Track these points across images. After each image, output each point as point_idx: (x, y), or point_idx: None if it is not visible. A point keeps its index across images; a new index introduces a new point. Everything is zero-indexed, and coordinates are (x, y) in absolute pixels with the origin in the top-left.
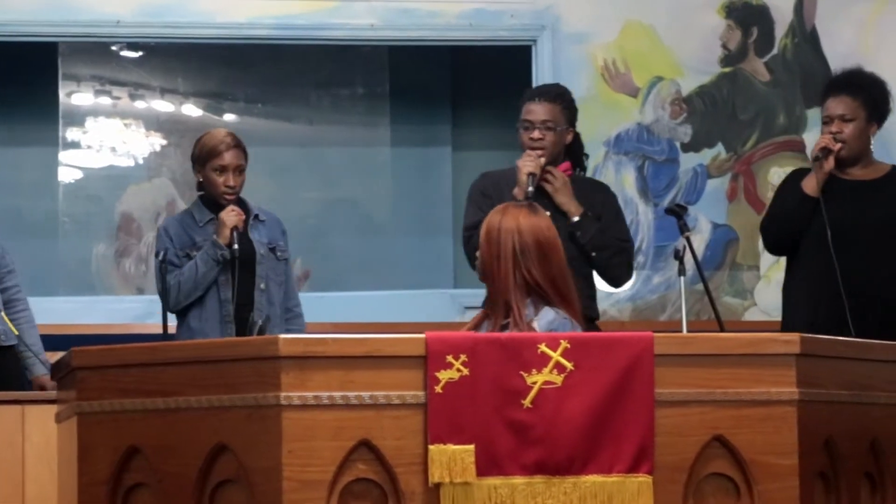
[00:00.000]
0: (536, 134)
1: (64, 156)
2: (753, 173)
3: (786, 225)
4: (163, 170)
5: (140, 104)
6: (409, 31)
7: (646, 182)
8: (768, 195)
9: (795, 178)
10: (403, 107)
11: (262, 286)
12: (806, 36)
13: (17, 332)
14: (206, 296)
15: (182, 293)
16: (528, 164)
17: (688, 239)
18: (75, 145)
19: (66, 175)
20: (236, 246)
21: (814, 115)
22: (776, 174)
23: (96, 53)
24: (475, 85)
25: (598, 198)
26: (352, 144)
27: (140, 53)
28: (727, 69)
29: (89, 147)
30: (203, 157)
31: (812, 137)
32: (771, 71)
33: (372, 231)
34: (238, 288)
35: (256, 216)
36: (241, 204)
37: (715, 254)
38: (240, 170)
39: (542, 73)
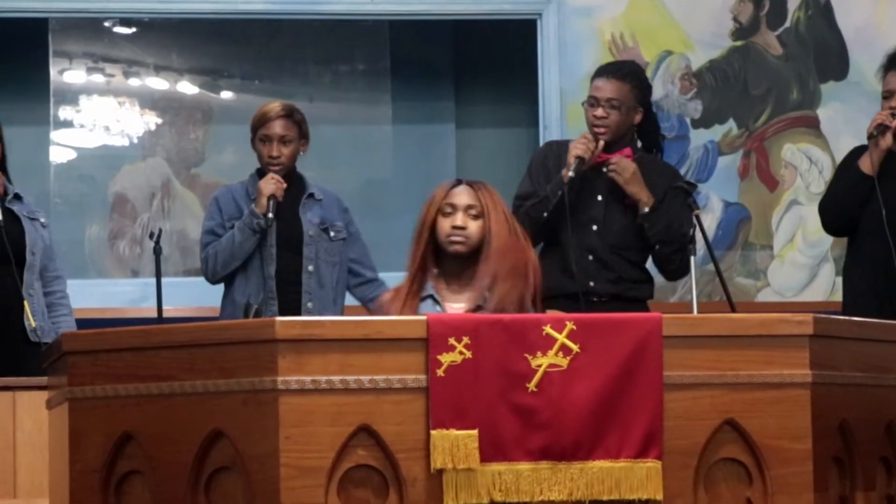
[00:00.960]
0: (600, 112)
1: (56, 135)
2: (766, 150)
3: (842, 205)
4: (157, 149)
5: (134, 81)
6: (410, 5)
7: None
8: (781, 172)
9: (854, 155)
10: (405, 83)
11: (311, 268)
12: (820, 8)
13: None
14: (250, 269)
15: (219, 262)
16: (578, 146)
17: (698, 218)
18: (67, 124)
19: (57, 155)
20: (271, 214)
21: (828, 89)
22: (789, 150)
23: (88, 29)
24: (478, 60)
25: (663, 183)
26: (352, 122)
27: (134, 29)
28: (738, 43)
29: (82, 126)
30: (254, 125)
31: (826, 113)
32: (783, 44)
33: (373, 211)
34: (285, 268)
35: (312, 195)
36: (299, 181)
37: (727, 233)
38: (285, 140)
39: (547, 48)
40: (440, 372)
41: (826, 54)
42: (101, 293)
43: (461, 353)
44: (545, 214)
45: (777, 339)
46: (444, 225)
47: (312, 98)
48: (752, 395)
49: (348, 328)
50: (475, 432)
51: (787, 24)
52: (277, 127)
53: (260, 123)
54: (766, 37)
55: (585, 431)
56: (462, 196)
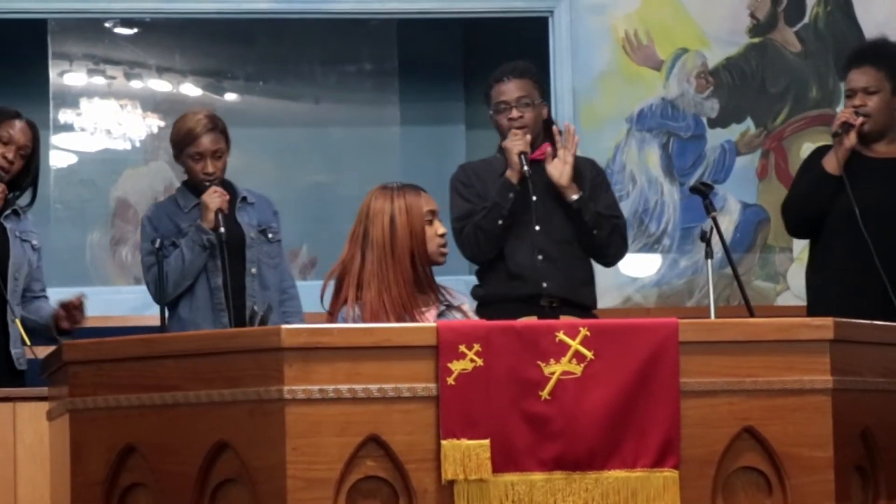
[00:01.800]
0: (515, 113)
1: (56, 139)
2: (785, 149)
3: (806, 205)
4: (160, 153)
5: (136, 84)
6: (418, 3)
7: (671, 160)
8: None
9: (817, 155)
10: (413, 83)
11: (254, 271)
12: (839, 3)
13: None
14: (196, 284)
15: (170, 284)
16: (517, 143)
17: (715, 220)
18: (67, 128)
19: (57, 159)
20: (223, 229)
21: None
22: (808, 150)
23: (88, 30)
24: (489, 59)
25: (587, 173)
26: (359, 124)
27: (135, 30)
28: (756, 39)
29: (82, 129)
30: (179, 143)
31: None
32: (802, 41)
33: None
34: (229, 275)
35: (244, 198)
36: (227, 187)
37: (745, 235)
38: (218, 154)
39: (559, 46)
40: (451, 380)
41: (846, 51)
42: (103, 301)
43: (472, 360)
44: (500, 222)
45: (797, 344)
46: (431, 234)
47: (318, 99)
48: (772, 401)
49: (356, 336)
50: (487, 442)
51: (806, 19)
52: (208, 142)
53: (187, 141)
54: (784, 33)
55: (600, 440)
56: (429, 201)
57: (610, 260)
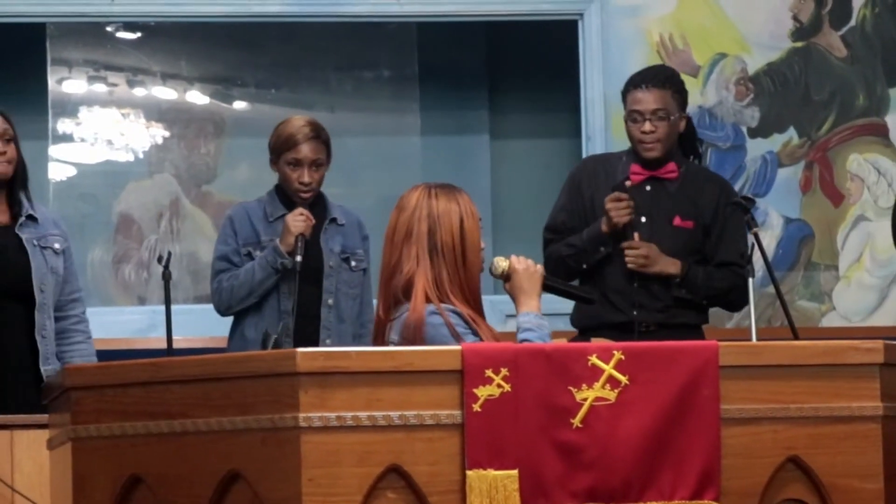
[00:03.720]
0: (648, 126)
1: (54, 150)
2: (830, 161)
3: None
4: (165, 164)
5: (139, 91)
6: (440, 6)
7: None
8: (847, 185)
9: None
10: (434, 90)
11: (331, 301)
12: (888, 5)
13: None
14: (266, 304)
15: (234, 298)
16: (621, 216)
17: (756, 236)
18: (67, 138)
19: (56, 172)
20: (300, 258)
21: None
22: (855, 161)
23: (89, 35)
24: (515, 65)
25: (708, 199)
26: (377, 133)
27: (138, 34)
28: (799, 44)
29: (82, 140)
30: (278, 147)
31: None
32: (848, 45)
33: None
34: (303, 301)
35: (334, 220)
36: (321, 202)
37: (788, 252)
38: (317, 164)
39: (589, 51)
40: (476, 407)
41: (895, 56)
42: (105, 322)
43: (499, 385)
44: (584, 266)
45: (845, 368)
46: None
47: (333, 108)
48: (818, 429)
49: (376, 360)
50: (515, 472)
51: (853, 22)
52: (308, 150)
53: (287, 146)
54: (829, 37)
55: (636, 471)
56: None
57: (733, 309)
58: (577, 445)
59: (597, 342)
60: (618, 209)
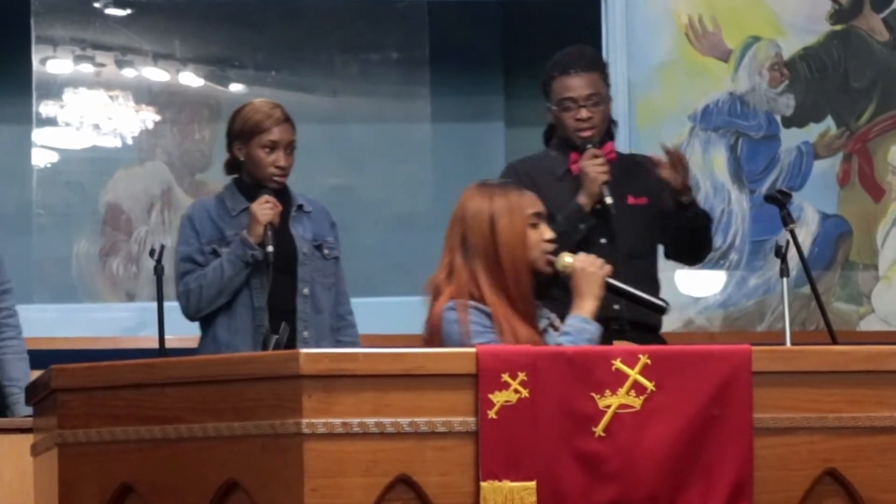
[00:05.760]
0: (584, 114)
1: (38, 135)
2: (870, 153)
3: None
4: (157, 151)
5: (129, 72)
6: None
7: (739, 164)
8: (888, 179)
9: None
10: (446, 74)
11: (306, 291)
12: None
13: None
14: (237, 301)
15: (204, 299)
16: (600, 171)
17: (791, 232)
18: (51, 122)
19: (40, 158)
20: (271, 247)
21: None
22: None
23: (76, 11)
24: (532, 48)
25: (647, 171)
26: (384, 120)
27: (128, 11)
28: (837, 27)
29: (68, 124)
30: (247, 132)
31: None
32: (891, 29)
33: (409, 224)
34: (276, 294)
35: (301, 206)
36: (284, 192)
37: (823, 251)
38: (291, 147)
39: (613, 33)
40: (492, 413)
41: None
42: (92, 320)
43: (516, 391)
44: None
45: (887, 375)
46: (536, 239)
47: (337, 92)
48: (858, 441)
49: (384, 362)
50: (533, 484)
51: (895, 5)
52: (283, 133)
53: (259, 129)
54: (869, 20)
55: (662, 483)
56: (534, 202)
57: (701, 258)
58: (599, 456)
59: (620, 345)
60: (594, 165)
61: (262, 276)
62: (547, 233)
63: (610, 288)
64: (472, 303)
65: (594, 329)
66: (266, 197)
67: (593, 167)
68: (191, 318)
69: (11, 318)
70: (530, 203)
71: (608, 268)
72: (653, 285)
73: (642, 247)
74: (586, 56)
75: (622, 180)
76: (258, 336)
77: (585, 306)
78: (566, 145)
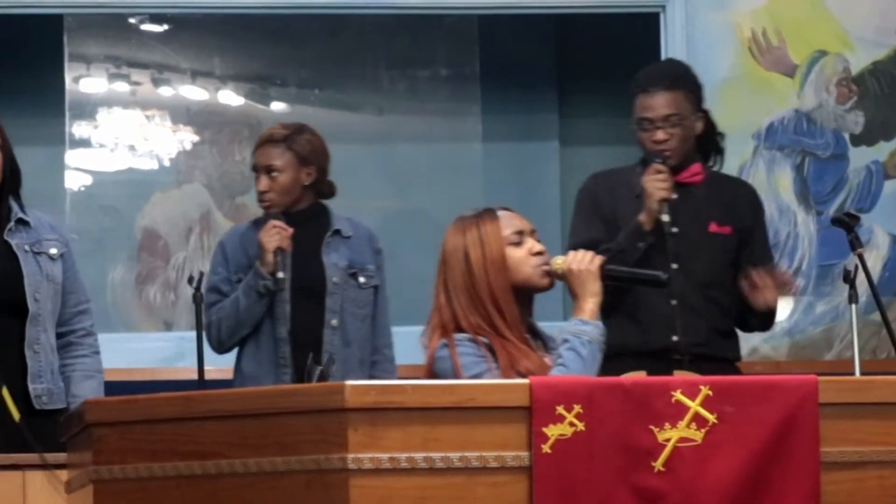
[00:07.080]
0: (660, 135)
1: (71, 157)
2: None
3: None
4: (195, 173)
5: (165, 91)
6: None
7: (806, 184)
8: None
9: None
10: (498, 92)
11: (334, 322)
12: None
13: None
14: (261, 332)
15: (224, 332)
16: (659, 188)
17: (860, 256)
18: (85, 143)
19: (73, 180)
20: (281, 274)
21: None
22: None
23: (110, 28)
24: (588, 63)
25: (744, 208)
26: (433, 139)
27: (165, 27)
28: None
29: (102, 146)
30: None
31: None
32: None
33: None
34: (300, 325)
35: (338, 231)
36: (321, 214)
37: (894, 275)
38: (269, 171)
39: (672, 48)
40: (546, 448)
41: None
42: (128, 350)
43: (572, 424)
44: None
45: None
46: (523, 256)
47: (383, 110)
48: None
49: (434, 394)
50: None
51: None
52: (261, 155)
53: (253, 153)
54: None
55: None
56: (511, 220)
57: (760, 329)
58: (658, 491)
59: (680, 376)
60: (655, 181)
61: (285, 304)
62: (535, 246)
63: (606, 276)
64: (464, 335)
65: (592, 329)
66: (273, 222)
67: (652, 183)
68: (217, 351)
69: (87, 338)
70: (508, 223)
71: (598, 258)
72: (726, 317)
73: (719, 277)
74: (670, 73)
75: (709, 205)
76: (281, 369)
77: (583, 307)
78: (648, 163)
